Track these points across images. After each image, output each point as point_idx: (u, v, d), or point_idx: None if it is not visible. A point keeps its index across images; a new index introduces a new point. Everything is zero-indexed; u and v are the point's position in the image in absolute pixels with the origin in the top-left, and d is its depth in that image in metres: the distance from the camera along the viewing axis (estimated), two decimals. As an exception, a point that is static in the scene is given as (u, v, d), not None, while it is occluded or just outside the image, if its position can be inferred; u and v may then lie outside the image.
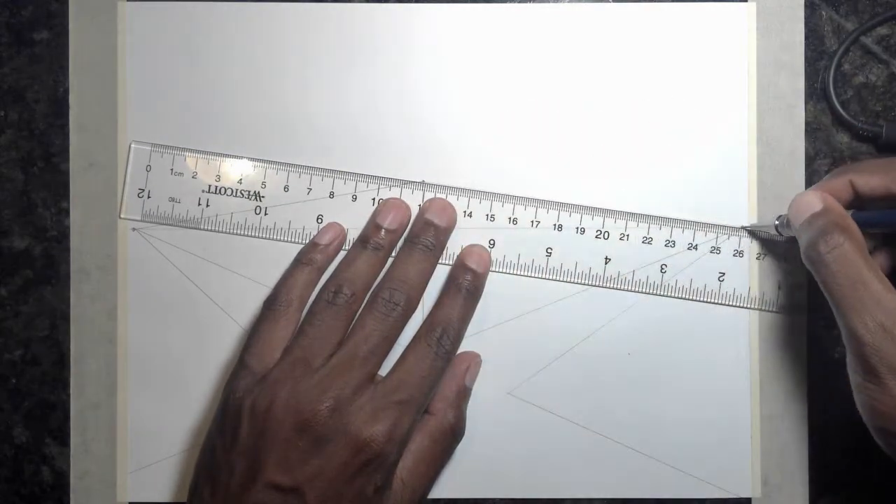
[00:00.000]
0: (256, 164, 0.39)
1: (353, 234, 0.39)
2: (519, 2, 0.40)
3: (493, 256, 0.39)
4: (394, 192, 0.39)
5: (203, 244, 0.39)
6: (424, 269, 0.38)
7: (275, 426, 0.33)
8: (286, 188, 0.39)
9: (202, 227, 0.39)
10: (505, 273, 0.39)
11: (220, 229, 0.39)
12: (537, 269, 0.39)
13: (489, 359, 0.39)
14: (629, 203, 0.39)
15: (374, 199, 0.39)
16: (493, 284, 0.39)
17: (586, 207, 0.39)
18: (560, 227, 0.39)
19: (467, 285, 0.38)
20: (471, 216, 0.39)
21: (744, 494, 0.39)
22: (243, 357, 0.36)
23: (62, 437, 0.40)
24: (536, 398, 0.39)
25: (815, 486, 0.39)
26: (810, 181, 0.39)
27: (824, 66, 0.40)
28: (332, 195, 0.39)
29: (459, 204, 0.39)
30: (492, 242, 0.39)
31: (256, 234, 0.39)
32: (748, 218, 0.39)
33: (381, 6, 0.40)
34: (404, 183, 0.39)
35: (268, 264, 0.39)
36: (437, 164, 0.39)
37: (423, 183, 0.39)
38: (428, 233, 0.38)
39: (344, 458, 0.33)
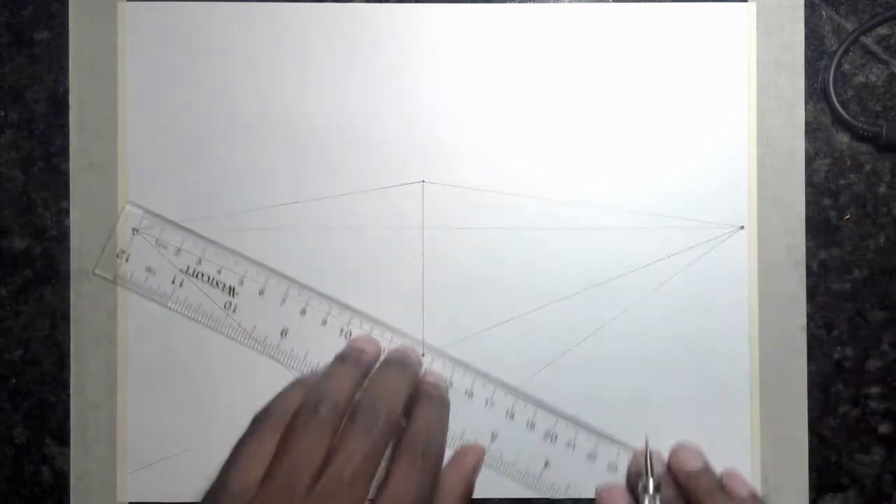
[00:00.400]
0: (240, 259, 0.39)
1: (312, 358, 0.39)
2: (519, 2, 0.40)
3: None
4: (364, 329, 0.39)
5: (203, 246, 0.39)
6: (402, 384, 0.36)
7: None
8: (261, 292, 0.39)
9: (169, 305, 0.39)
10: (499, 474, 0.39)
11: (187, 313, 0.39)
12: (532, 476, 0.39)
13: (489, 359, 0.39)
14: (629, 203, 0.39)
15: (342, 329, 0.39)
16: (493, 285, 0.39)
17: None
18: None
19: (437, 392, 0.37)
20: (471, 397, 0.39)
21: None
22: (225, 473, 0.33)
23: (62, 437, 0.40)
24: (537, 397, 0.39)
25: (815, 486, 0.39)
26: (810, 181, 0.40)
27: (824, 66, 0.40)
28: (303, 312, 0.39)
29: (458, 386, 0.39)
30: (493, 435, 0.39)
31: (221, 330, 0.39)
32: (748, 218, 0.39)
33: (381, 6, 0.40)
34: (375, 322, 0.39)
35: (267, 263, 0.39)
36: (437, 164, 0.39)
37: (423, 183, 0.39)
38: (403, 357, 0.38)
39: None
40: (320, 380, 0.36)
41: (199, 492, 0.38)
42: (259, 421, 0.35)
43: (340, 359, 0.37)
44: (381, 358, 0.38)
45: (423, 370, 0.39)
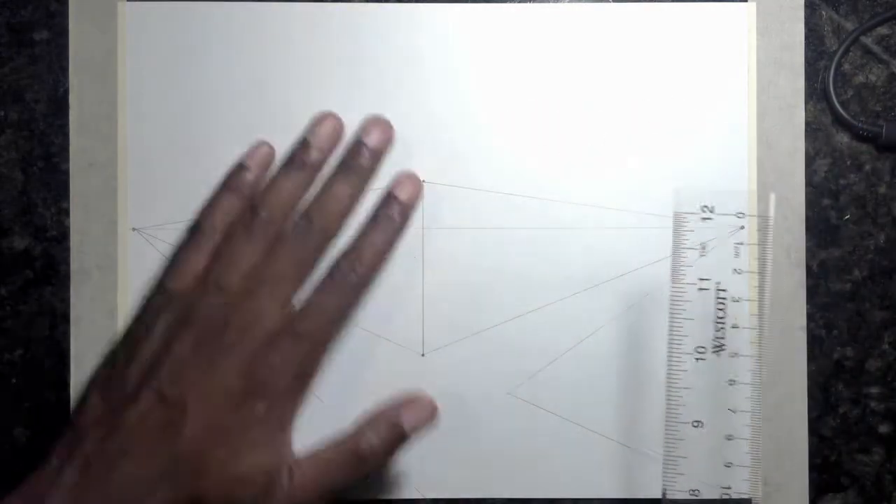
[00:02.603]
0: None
1: None
2: (519, 2, 0.40)
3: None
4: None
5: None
6: (349, 196, 0.36)
7: (175, 344, 0.33)
8: None
9: None
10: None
11: None
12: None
13: (489, 358, 0.39)
14: (629, 203, 0.39)
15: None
16: (493, 285, 0.39)
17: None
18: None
19: (393, 217, 0.36)
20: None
21: (744, 494, 0.39)
22: (161, 279, 0.36)
23: (62, 437, 0.40)
24: (536, 398, 0.39)
25: (815, 486, 0.39)
26: (810, 181, 0.40)
27: (824, 66, 0.40)
28: None
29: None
30: None
31: None
32: (748, 218, 0.39)
33: (381, 6, 0.40)
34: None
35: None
36: (436, 164, 0.39)
37: (423, 183, 0.39)
38: (359, 155, 0.36)
39: (231, 381, 0.33)
40: (265, 189, 0.36)
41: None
42: (191, 227, 0.36)
43: (288, 161, 0.37)
44: (338, 159, 0.37)
45: (405, 183, 0.37)
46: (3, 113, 0.40)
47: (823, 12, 0.40)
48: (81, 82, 0.40)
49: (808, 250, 0.39)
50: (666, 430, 0.34)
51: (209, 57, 0.40)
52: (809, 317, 0.39)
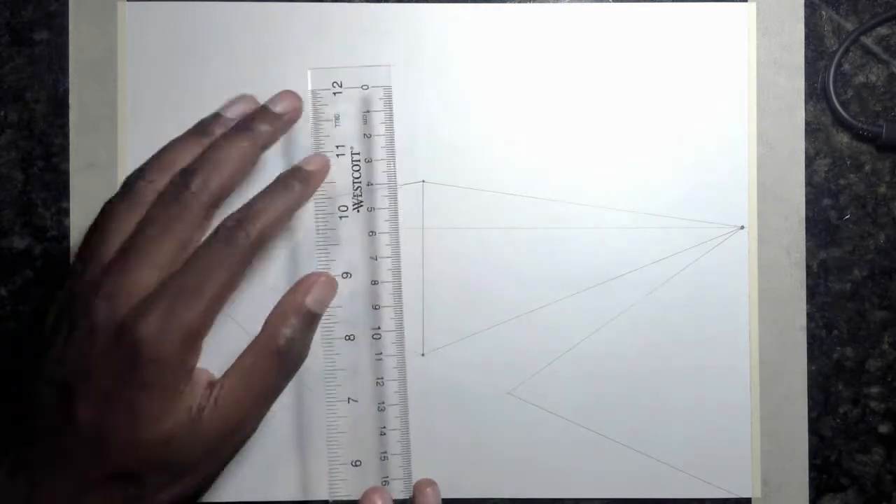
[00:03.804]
0: None
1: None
2: (519, 2, 0.40)
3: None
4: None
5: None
6: (239, 153, 0.34)
7: (62, 323, 0.32)
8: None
9: None
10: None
11: None
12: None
13: (489, 358, 0.39)
14: (629, 203, 0.39)
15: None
16: (493, 285, 0.39)
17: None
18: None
19: (292, 185, 0.34)
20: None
21: (744, 494, 0.39)
22: (87, 245, 0.34)
23: (62, 437, 0.40)
24: (536, 398, 0.39)
25: (815, 486, 0.39)
26: (810, 181, 0.40)
27: (824, 66, 0.40)
28: None
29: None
30: None
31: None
32: (748, 218, 0.39)
33: (382, 6, 0.40)
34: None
35: (270, 265, 0.39)
36: (436, 164, 0.39)
37: (423, 183, 0.39)
38: (259, 117, 0.35)
39: (109, 352, 0.31)
40: (156, 152, 0.35)
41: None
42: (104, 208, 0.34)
43: (195, 129, 0.35)
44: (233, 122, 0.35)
45: (312, 158, 0.36)
46: (3, 113, 0.40)
47: (823, 12, 0.40)
48: (81, 82, 0.40)
49: (808, 250, 0.39)
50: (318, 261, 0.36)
51: (209, 57, 0.40)
52: (809, 317, 0.39)
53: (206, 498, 0.39)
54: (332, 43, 0.39)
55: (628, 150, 0.39)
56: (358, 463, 0.37)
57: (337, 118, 0.36)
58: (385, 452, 0.37)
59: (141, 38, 0.40)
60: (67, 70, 0.40)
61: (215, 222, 0.33)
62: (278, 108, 0.36)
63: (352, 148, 0.36)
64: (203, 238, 0.33)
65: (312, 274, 0.35)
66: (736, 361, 0.39)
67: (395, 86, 0.39)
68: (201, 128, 0.35)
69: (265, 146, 0.35)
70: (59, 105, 0.40)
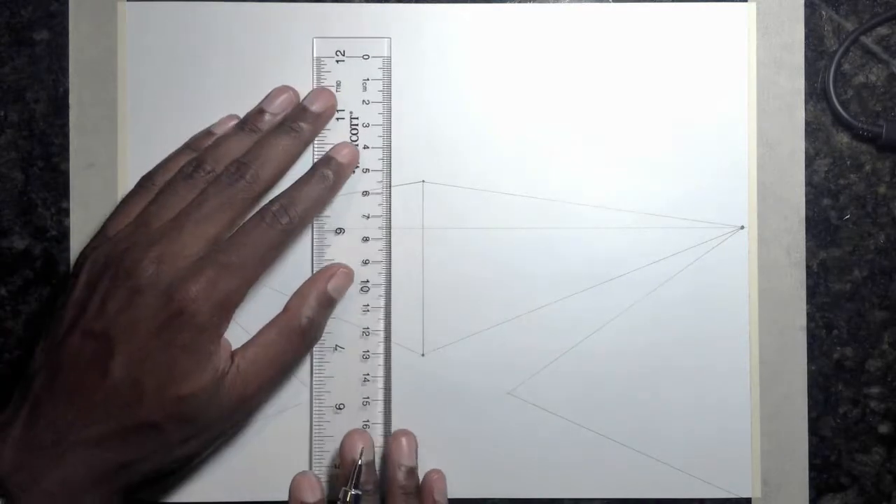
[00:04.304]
0: None
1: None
2: (519, 2, 0.40)
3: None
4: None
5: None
6: (285, 150, 0.37)
7: (101, 278, 0.34)
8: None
9: None
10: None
11: None
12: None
13: (489, 358, 0.39)
14: (629, 203, 0.39)
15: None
16: (493, 285, 0.39)
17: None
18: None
19: (327, 174, 0.38)
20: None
21: (744, 494, 0.39)
22: (104, 224, 0.37)
23: (62, 437, 0.40)
24: (536, 398, 0.39)
25: (815, 486, 0.39)
26: (810, 181, 0.40)
27: (824, 66, 0.40)
28: None
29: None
30: None
31: None
32: (748, 218, 0.39)
33: (382, 6, 0.40)
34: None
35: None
36: (436, 164, 0.39)
37: (423, 183, 0.39)
38: (300, 117, 0.38)
39: (153, 310, 0.34)
40: (211, 144, 0.38)
41: (200, 492, 0.39)
42: (143, 179, 0.38)
43: (241, 124, 0.38)
44: (279, 118, 0.38)
45: (343, 148, 0.39)
46: (3, 113, 0.40)
47: (823, 12, 0.40)
48: (81, 82, 0.40)
49: (808, 250, 0.39)
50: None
51: (209, 57, 0.40)
52: (809, 317, 0.39)
53: (209, 497, 0.39)
54: (331, 44, 0.39)
55: (628, 150, 0.39)
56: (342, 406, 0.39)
57: (338, 84, 0.39)
58: (367, 398, 0.39)
59: (141, 38, 0.40)
60: (67, 70, 0.40)
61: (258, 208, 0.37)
62: (316, 107, 0.38)
63: (351, 112, 0.39)
64: (247, 219, 0.36)
65: (334, 264, 0.39)
66: (736, 361, 0.39)
67: (395, 86, 0.39)
68: (248, 122, 0.38)
69: (307, 143, 0.38)
70: (59, 105, 0.40)
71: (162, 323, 0.34)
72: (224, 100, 0.39)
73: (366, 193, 0.39)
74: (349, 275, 0.39)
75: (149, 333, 0.34)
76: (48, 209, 0.40)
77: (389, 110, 0.39)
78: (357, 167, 0.39)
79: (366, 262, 0.39)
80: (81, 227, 0.39)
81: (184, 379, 0.34)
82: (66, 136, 0.40)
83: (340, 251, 0.39)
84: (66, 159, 0.40)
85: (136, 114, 0.40)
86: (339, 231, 0.39)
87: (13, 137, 0.40)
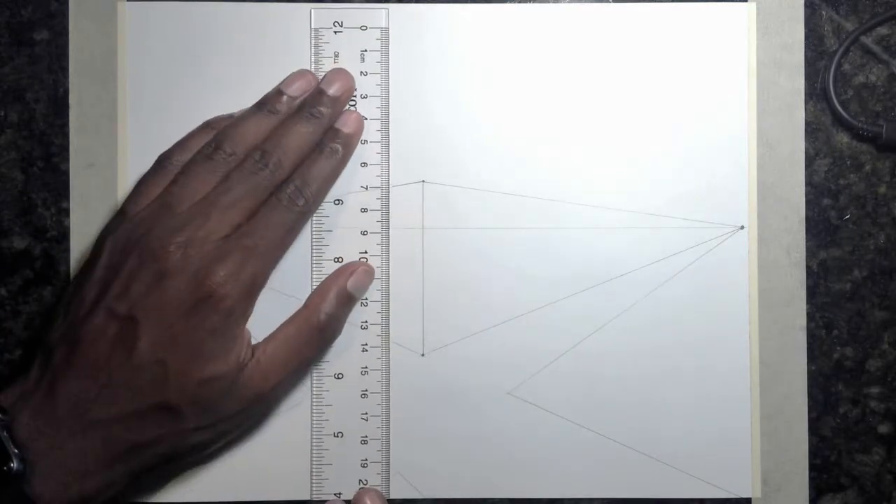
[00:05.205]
0: None
1: None
2: (519, 2, 0.40)
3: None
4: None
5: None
6: (305, 136, 0.37)
7: (125, 259, 0.35)
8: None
9: None
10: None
11: None
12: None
13: (489, 358, 0.39)
14: (629, 203, 0.39)
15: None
16: (493, 285, 0.39)
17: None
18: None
19: (336, 148, 0.38)
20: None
21: (744, 494, 0.39)
22: (122, 203, 0.37)
23: (62, 437, 0.40)
24: (536, 398, 0.39)
25: (815, 486, 0.39)
26: (810, 181, 0.40)
27: (824, 66, 0.40)
28: None
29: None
30: None
31: None
32: (748, 218, 0.39)
33: (382, 7, 0.40)
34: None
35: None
36: (436, 164, 0.39)
37: (423, 183, 0.39)
38: (318, 102, 0.38)
39: (181, 294, 0.34)
40: (229, 125, 0.38)
41: (201, 492, 0.39)
42: (161, 158, 0.37)
43: (259, 105, 0.38)
44: (298, 101, 0.38)
45: (347, 118, 0.39)
46: (3, 113, 0.40)
47: (823, 12, 0.40)
48: (81, 82, 0.40)
49: (808, 250, 0.39)
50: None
51: (209, 57, 0.40)
52: (809, 317, 0.39)
53: (208, 497, 0.39)
54: (331, 44, 0.39)
55: (628, 150, 0.39)
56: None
57: (336, 55, 0.39)
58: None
59: (141, 38, 0.40)
60: (67, 70, 0.40)
61: None
62: (333, 91, 0.38)
63: None
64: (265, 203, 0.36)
65: (354, 262, 0.39)
66: (736, 361, 0.39)
67: (395, 86, 0.39)
68: (266, 104, 0.38)
69: (327, 127, 0.38)
70: (59, 105, 0.40)
71: (190, 307, 0.34)
72: (224, 100, 0.39)
73: (364, 165, 0.39)
74: (370, 272, 0.39)
75: (176, 316, 0.34)
76: (48, 209, 0.40)
77: (388, 83, 0.39)
78: (358, 164, 0.39)
79: (362, 252, 0.39)
80: (81, 227, 0.39)
81: (208, 362, 0.34)
82: (66, 136, 0.40)
83: (340, 248, 0.39)
84: (66, 159, 0.40)
85: (136, 114, 0.40)
86: (339, 202, 0.39)
87: (13, 137, 0.40)
